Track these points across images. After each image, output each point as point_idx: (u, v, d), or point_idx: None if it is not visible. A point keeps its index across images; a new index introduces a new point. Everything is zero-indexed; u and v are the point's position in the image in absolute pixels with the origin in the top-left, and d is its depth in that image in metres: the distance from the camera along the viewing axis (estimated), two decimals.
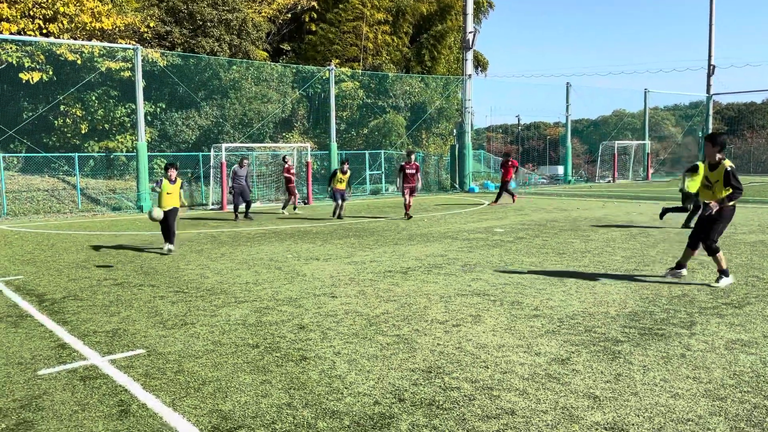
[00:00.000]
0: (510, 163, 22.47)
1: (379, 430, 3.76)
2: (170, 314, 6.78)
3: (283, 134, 30.69)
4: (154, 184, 11.46)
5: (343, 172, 17.89)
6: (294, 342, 5.64)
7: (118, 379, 4.74)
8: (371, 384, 4.54)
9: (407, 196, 17.67)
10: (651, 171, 42.84)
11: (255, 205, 20.45)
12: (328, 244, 12.40)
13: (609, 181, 39.31)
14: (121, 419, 4.00)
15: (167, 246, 11.32)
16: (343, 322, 6.32)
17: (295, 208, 20.64)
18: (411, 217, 17.67)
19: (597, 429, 3.74)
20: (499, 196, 22.69)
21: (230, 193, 19.88)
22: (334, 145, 27.27)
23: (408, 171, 17.73)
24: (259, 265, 9.96)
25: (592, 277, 8.55)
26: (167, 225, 11.26)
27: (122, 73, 24.62)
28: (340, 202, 17.81)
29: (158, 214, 11.09)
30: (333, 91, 27.40)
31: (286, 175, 20.42)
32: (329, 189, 18.15)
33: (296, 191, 20.78)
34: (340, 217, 17.85)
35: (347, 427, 3.82)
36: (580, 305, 6.91)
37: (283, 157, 20.96)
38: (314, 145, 30.13)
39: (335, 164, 26.60)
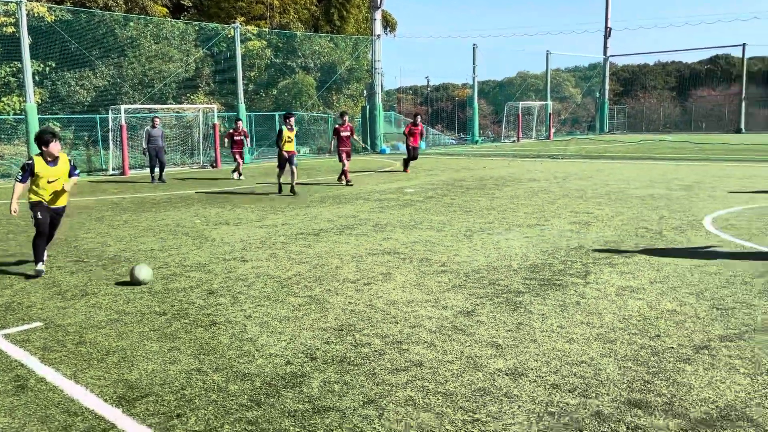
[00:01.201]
0: (415, 127, 20.18)
1: (291, 389, 3.79)
2: (69, 285, 6.47)
3: (188, 95, 29.47)
4: (20, 174, 6.80)
5: (291, 129, 14.45)
6: (203, 308, 5.54)
7: (12, 354, 4.50)
8: (283, 345, 4.56)
9: (345, 161, 16.16)
10: (553, 130, 44.60)
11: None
12: (239, 209, 12.15)
13: (514, 141, 40.61)
14: (17, 395, 3.81)
15: (39, 266, 6.89)
16: (254, 286, 6.26)
17: (240, 175, 18.80)
18: (352, 183, 16.12)
19: (499, 375, 3.95)
20: (407, 163, 20.23)
21: (144, 154, 19.00)
22: (242, 106, 26.49)
23: (343, 133, 16.26)
24: (164, 232, 9.63)
25: (497, 232, 8.89)
26: (50, 235, 7.13)
27: (4, 29, 22.67)
28: (293, 168, 14.21)
29: (147, 274, 6.43)
30: (239, 51, 26.47)
31: (238, 138, 18.85)
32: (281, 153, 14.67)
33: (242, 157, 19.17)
34: (293, 191, 14.12)
35: (259, 388, 3.83)
36: (485, 260, 7.18)
37: (236, 119, 19.80)
38: (221, 107, 29.15)
39: (244, 126, 25.81)
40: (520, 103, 42.46)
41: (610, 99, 52.74)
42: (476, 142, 39.05)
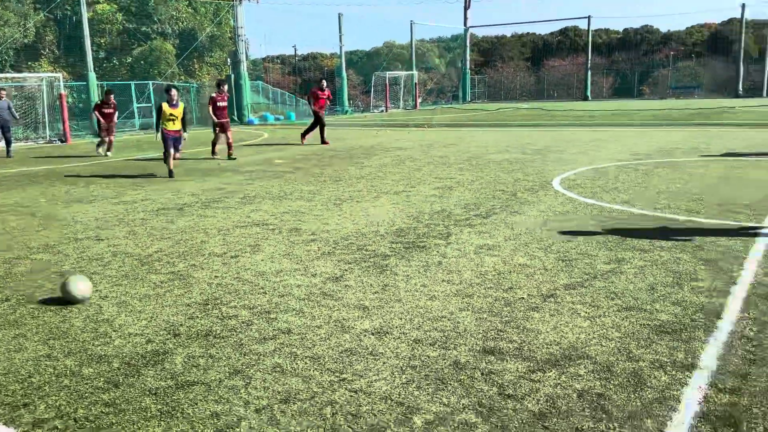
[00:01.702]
0: (321, 92, 18.51)
1: (152, 368, 3.66)
2: None
3: (29, 63, 26.82)
4: None
5: (173, 105, 12.31)
6: (53, 291, 5.16)
7: None
8: (143, 324, 4.37)
9: (228, 133, 15.16)
10: (419, 100, 45.73)
11: None
12: (93, 185, 11.35)
13: (382, 111, 41.18)
14: None
15: None
16: (110, 265, 5.92)
17: (109, 151, 17.07)
18: (234, 157, 15.03)
19: (365, 335, 4.06)
20: (309, 131, 18.89)
21: None
22: (92, 75, 24.56)
23: (220, 103, 15.22)
24: (6, 212, 8.80)
25: (366, 200, 9.03)
26: None
27: None
28: (172, 151, 12.42)
29: (85, 289, 4.84)
30: (86, 14, 24.41)
31: (108, 111, 16.94)
32: (157, 134, 12.64)
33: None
34: (171, 174, 12.20)
35: (117, 369, 3.65)
36: (353, 227, 7.28)
37: (107, 91, 17.55)
38: (68, 76, 26.86)
39: (95, 96, 23.94)
40: (387, 73, 43.03)
41: (471, 69, 54.85)
42: (346, 112, 39.16)
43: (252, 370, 3.59)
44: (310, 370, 3.58)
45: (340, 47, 38.65)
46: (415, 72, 45.21)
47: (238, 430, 2.97)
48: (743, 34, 45.86)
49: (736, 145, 14.57)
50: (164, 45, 30.27)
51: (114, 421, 3.08)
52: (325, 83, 18.82)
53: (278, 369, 3.60)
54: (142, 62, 30.08)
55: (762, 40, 50.08)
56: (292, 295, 4.90)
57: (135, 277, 5.52)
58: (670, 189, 9.06)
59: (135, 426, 3.03)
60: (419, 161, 13.45)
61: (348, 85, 41.16)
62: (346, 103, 39.93)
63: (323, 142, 18.44)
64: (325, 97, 18.62)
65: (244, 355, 3.81)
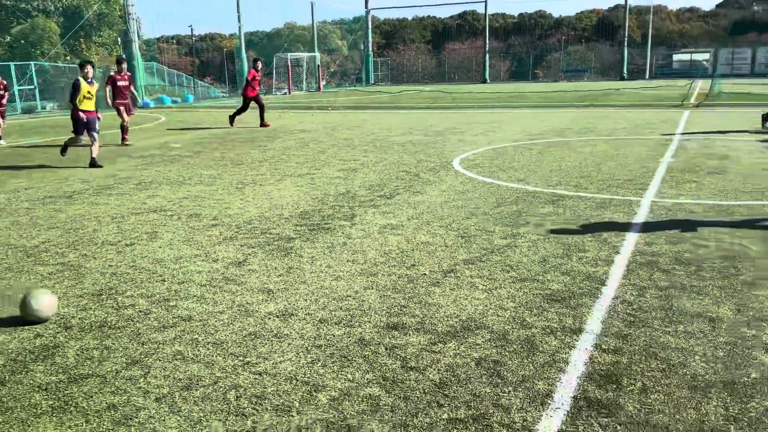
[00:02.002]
0: (253, 74, 17.69)
1: (41, 362, 3.47)
2: None
3: None
4: None
5: (90, 82, 10.86)
6: None
7: None
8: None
9: (124, 115, 14.12)
10: (323, 82, 45.38)
11: None
12: None
13: (285, 93, 40.56)
14: None
15: None
16: None
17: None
18: (129, 143, 14.17)
19: (269, 318, 4.03)
20: (238, 112, 18.14)
21: None
22: None
23: (120, 83, 14.15)
24: None
25: (269, 183, 8.91)
26: None
27: None
28: (94, 134, 10.99)
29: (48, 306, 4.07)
30: None
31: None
32: (81, 115, 10.84)
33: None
34: (95, 164, 10.81)
35: (2, 366, 3.43)
36: (256, 210, 7.18)
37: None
38: None
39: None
40: (289, 54, 42.34)
41: (374, 52, 55.02)
42: None
43: (151, 360, 3.48)
44: (212, 355, 3.52)
45: (239, 27, 37.60)
46: (317, 54, 44.78)
47: (137, 420, 2.88)
48: (627, 20, 48.73)
49: (623, 125, 15.54)
50: (47, 23, 28.22)
51: (0, 420, 2.90)
52: (260, 64, 18.01)
53: (179, 356, 3.51)
54: (22, 41, 27.90)
55: (644, 25, 53.49)
56: (193, 282, 4.78)
57: (20, 269, 5.18)
58: (561, 167, 9.56)
59: (25, 424, 2.87)
60: (323, 143, 13.40)
61: (248, 66, 40.18)
62: None
63: (263, 124, 17.68)
64: (258, 78, 17.83)
65: (142, 344, 3.69)
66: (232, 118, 18.12)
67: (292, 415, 2.89)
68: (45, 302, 4.00)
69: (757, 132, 13.32)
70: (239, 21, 37.14)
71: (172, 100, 31.83)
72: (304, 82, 44.17)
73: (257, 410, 2.94)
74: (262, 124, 17.73)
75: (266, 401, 3.02)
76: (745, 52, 49.18)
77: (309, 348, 3.59)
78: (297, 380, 3.21)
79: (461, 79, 56.06)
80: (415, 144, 12.91)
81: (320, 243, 5.76)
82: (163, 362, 3.45)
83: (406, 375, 3.25)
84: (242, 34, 37.94)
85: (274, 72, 42.64)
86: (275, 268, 5.08)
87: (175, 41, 68.26)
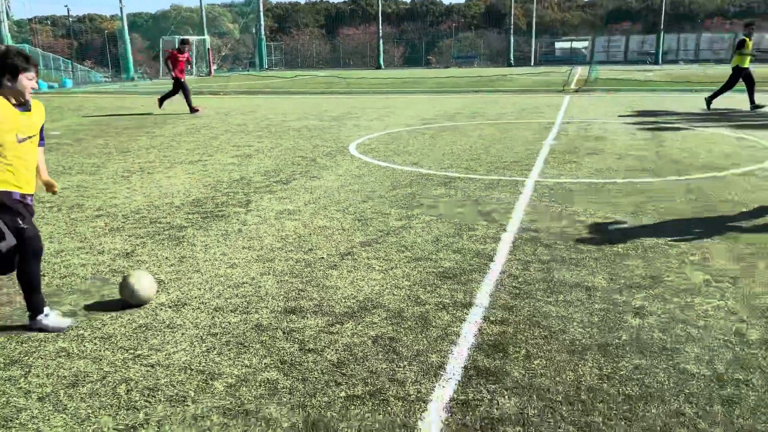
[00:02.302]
0: (179, 55, 16.50)
1: None
2: None
3: None
4: None
5: None
6: None
7: None
8: None
9: None
10: (214, 67, 43.93)
11: None
12: None
13: None
14: None
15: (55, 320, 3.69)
16: None
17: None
18: None
19: (162, 309, 3.92)
20: (167, 96, 17.10)
21: None
22: None
23: None
24: None
25: (159, 171, 8.56)
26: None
27: None
28: None
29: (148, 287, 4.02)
30: None
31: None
32: None
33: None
34: None
35: None
36: (145, 200, 6.89)
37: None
38: None
39: None
40: (177, 37, 40.58)
41: (267, 36, 53.88)
42: (132, 79, 36.31)
43: (31, 359, 3.29)
44: (100, 350, 3.38)
45: (121, 8, 35.55)
46: (207, 37, 43.25)
47: (17, 421, 2.72)
48: (512, 9, 50.71)
49: (510, 110, 16.23)
50: None
51: None
52: (187, 47, 16.84)
53: (63, 354, 3.34)
54: None
55: (529, 14, 55.88)
56: (77, 276, 4.54)
57: None
58: (452, 150, 9.86)
59: None
60: (216, 129, 13.01)
61: (133, 49, 38.10)
62: (131, 69, 37.01)
63: (192, 110, 16.46)
64: (184, 60, 16.62)
65: (21, 343, 3.47)
66: (161, 101, 17.25)
67: (188, 405, 2.84)
68: (146, 283, 3.95)
69: (705, 113, 14.35)
70: (120, 2, 35.12)
71: (48, 85, 29.63)
72: (193, 66, 42.55)
73: (150, 402, 2.86)
74: (192, 110, 16.62)
75: (159, 393, 2.94)
76: (620, 40, 52.66)
77: (204, 337, 3.52)
78: (192, 370, 3.15)
79: (356, 65, 56.16)
80: (310, 129, 12.84)
81: (214, 231, 5.63)
82: (46, 360, 3.27)
83: (304, 357, 3.27)
84: (124, 15, 35.91)
85: (161, 55, 40.72)
86: (166, 258, 4.92)
87: (49, 22, 63.58)
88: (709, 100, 14.94)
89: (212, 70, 42.99)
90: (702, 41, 50.09)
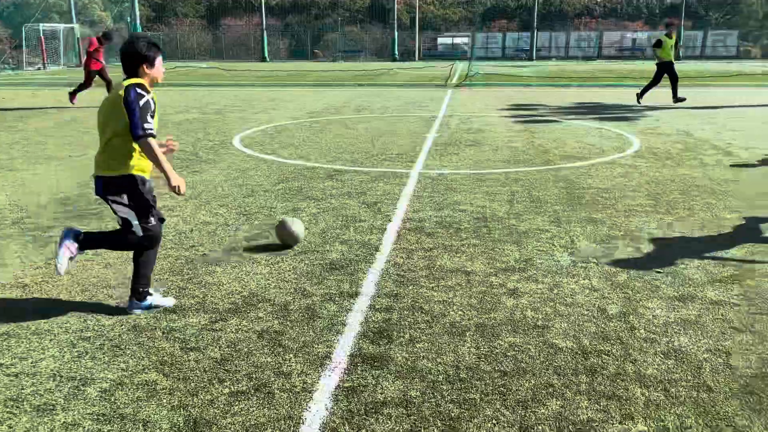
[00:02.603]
0: (101, 45, 15.35)
1: None
2: None
3: None
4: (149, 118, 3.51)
5: None
6: None
7: None
8: None
9: None
10: (84, 58, 41.16)
11: None
12: None
13: (39, 68, 36.09)
14: None
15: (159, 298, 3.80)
16: None
17: None
18: None
19: (27, 314, 3.64)
20: (82, 87, 15.70)
21: None
22: None
23: None
24: None
25: (23, 168, 7.92)
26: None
27: None
28: None
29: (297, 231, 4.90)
30: None
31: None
32: None
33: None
34: None
35: None
36: (5, 199, 6.36)
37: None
38: None
39: None
40: (42, 25, 37.61)
41: (143, 25, 51.18)
42: None
43: None
44: None
45: None
46: (76, 25, 40.43)
47: None
48: (396, 4, 51.51)
49: (395, 103, 16.51)
50: None
51: None
52: (98, 37, 15.48)
53: None
54: None
55: (412, 9, 57.01)
56: None
57: None
58: (339, 143, 9.90)
59: None
60: (87, 123, 12.21)
61: None
62: None
63: (72, 98, 15.36)
64: (102, 50, 15.38)
65: None
66: (72, 95, 15.64)
67: (56, 414, 2.67)
68: (298, 227, 4.91)
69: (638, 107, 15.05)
70: None
71: None
72: (61, 56, 39.61)
73: (14, 413, 2.66)
74: (72, 97, 15.46)
75: (24, 403, 2.74)
76: (497, 37, 55.05)
77: (75, 342, 3.32)
78: (61, 377, 2.96)
79: (240, 57, 54.74)
80: (192, 122, 12.39)
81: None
82: None
83: (185, 356, 3.18)
84: None
85: (24, 44, 37.55)
86: (32, 260, 4.58)
87: None
88: (639, 96, 15.70)
89: (83, 61, 40.27)
90: (571, 39, 53.44)
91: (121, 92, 3.47)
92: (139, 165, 3.58)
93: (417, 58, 50.43)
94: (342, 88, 22.33)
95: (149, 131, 3.45)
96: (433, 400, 2.79)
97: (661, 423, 2.62)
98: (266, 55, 50.32)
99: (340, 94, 19.62)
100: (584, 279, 4.22)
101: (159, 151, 3.49)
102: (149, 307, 3.70)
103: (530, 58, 47.35)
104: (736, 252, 4.72)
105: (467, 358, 3.16)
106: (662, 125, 11.79)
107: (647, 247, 4.84)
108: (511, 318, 3.62)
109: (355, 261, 4.57)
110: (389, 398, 2.80)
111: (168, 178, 3.49)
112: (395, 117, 13.46)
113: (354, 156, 8.78)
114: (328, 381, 2.94)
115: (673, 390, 2.86)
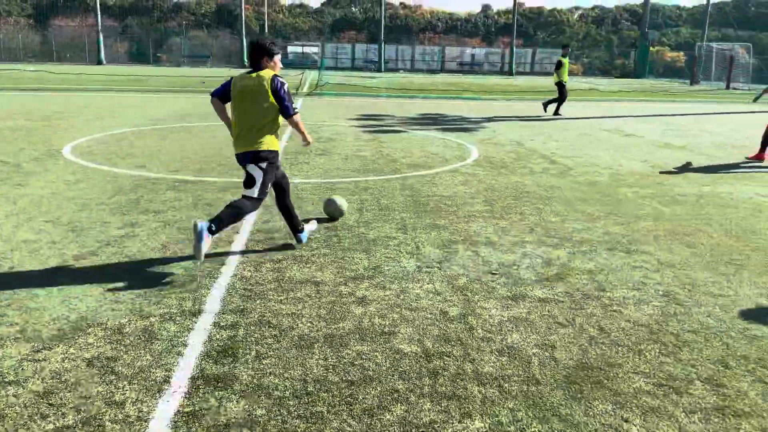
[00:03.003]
0: None
1: None
2: None
3: None
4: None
5: None
6: None
7: None
8: None
9: None
10: None
11: None
12: None
13: None
14: None
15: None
16: None
17: None
18: None
19: None
20: None
21: None
22: None
23: None
24: None
25: None
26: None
27: None
28: None
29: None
30: None
31: None
32: None
33: None
34: None
35: None
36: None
37: None
38: None
39: None
40: None
41: None
42: None
43: None
44: None
45: None
46: None
47: None
48: (243, 10, 50.48)
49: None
50: None
51: None
52: None
53: None
54: None
55: (261, 16, 56.22)
56: None
57: None
58: (184, 152, 9.48)
59: None
60: None
61: None
62: None
63: None
64: None
65: None
66: None
67: None
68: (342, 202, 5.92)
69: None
70: None
71: None
72: None
73: None
74: None
75: None
76: (347, 47, 55.94)
77: None
78: None
79: (74, 60, 50.58)
80: (15, 130, 11.22)
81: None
82: None
83: (2, 392, 2.84)
84: None
85: None
86: None
87: None
88: (545, 106, 17.51)
89: None
90: (417, 53, 55.72)
91: (266, 82, 4.53)
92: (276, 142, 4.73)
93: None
94: (188, 94, 21.46)
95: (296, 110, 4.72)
96: (279, 417, 2.74)
97: (496, 418, 2.78)
98: (102, 58, 47.04)
99: (186, 100, 18.82)
100: (428, 283, 4.38)
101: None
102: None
103: (379, 70, 48.67)
104: (560, 253, 5.17)
105: (315, 371, 3.14)
106: (498, 136, 12.65)
107: (484, 251, 5.15)
108: (359, 326, 3.66)
109: (198, 277, 4.38)
110: (233, 420, 2.70)
111: (305, 137, 4.96)
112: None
113: (200, 165, 8.44)
114: (167, 407, 2.77)
115: (506, 385, 3.05)
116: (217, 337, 3.48)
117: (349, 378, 3.08)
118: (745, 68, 38.95)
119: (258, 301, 3.99)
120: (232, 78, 4.73)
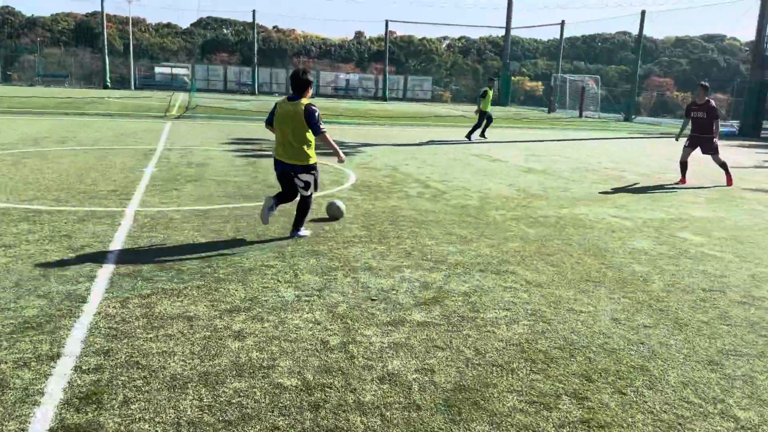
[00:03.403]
0: None
1: None
2: None
3: None
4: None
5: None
6: None
7: None
8: None
9: None
10: None
11: None
12: None
13: None
14: None
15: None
16: None
17: None
18: None
19: None
20: None
21: None
22: None
23: None
24: None
25: None
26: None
27: None
28: None
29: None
30: None
31: None
32: None
33: None
34: None
35: None
36: None
37: None
38: None
39: None
40: None
41: None
42: None
43: None
44: None
45: None
46: None
47: None
48: (105, 28, 47.89)
49: (107, 134, 15.22)
50: None
51: None
52: None
53: None
54: None
55: (125, 35, 53.59)
56: None
57: None
58: (38, 180, 8.74)
59: None
60: None
61: None
62: None
63: None
64: None
65: None
66: None
67: None
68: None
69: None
70: None
71: None
72: None
73: None
74: None
75: None
76: (219, 69, 54.66)
77: None
78: None
79: None
80: None
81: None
82: None
83: None
84: None
85: None
86: None
87: None
88: (468, 135, 18.77)
89: None
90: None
91: (300, 109, 5.90)
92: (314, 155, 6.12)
93: (133, 87, 47.47)
94: (43, 116, 19.92)
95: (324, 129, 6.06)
96: None
97: None
98: None
99: (39, 123, 17.45)
100: (308, 313, 4.32)
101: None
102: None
103: (253, 93, 48.02)
104: (436, 276, 5.32)
105: (189, 413, 2.98)
106: (374, 160, 12.88)
107: (364, 277, 5.18)
108: (236, 362, 3.53)
109: (56, 317, 4.02)
110: None
111: (338, 154, 6.31)
112: (107, 150, 12.41)
113: (57, 194, 7.82)
114: None
115: (388, 414, 3.06)
116: (79, 382, 3.20)
117: (227, 418, 2.95)
118: (594, 98, 42.71)
119: (125, 341, 3.73)
120: (276, 103, 6.09)
